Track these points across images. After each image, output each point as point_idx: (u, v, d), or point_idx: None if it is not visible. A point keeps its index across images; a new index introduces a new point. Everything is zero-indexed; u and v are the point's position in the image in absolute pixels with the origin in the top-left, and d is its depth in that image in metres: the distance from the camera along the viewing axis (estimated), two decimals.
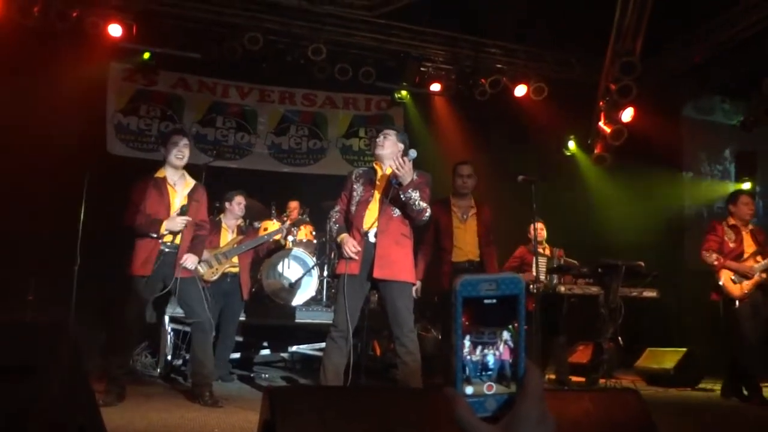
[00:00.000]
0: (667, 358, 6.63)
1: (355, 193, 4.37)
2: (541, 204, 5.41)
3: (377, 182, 4.37)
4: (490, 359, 0.67)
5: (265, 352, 7.00)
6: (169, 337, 6.12)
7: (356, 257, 4.12)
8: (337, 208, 4.46)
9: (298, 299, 6.44)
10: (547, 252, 6.47)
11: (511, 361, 0.68)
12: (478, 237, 5.50)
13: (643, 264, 5.84)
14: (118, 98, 7.99)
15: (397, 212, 4.21)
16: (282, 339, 6.95)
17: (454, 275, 5.56)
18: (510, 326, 0.68)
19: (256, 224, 6.54)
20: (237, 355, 6.61)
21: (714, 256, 5.73)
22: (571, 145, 9.02)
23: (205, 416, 4.13)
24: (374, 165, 4.49)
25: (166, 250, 4.55)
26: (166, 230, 4.49)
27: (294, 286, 6.44)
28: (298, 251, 6.46)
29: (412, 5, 7.64)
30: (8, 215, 6.36)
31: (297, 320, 6.42)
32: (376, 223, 4.17)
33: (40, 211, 6.69)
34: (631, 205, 8.62)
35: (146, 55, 7.88)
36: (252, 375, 6.43)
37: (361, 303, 4.24)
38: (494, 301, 0.67)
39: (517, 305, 0.68)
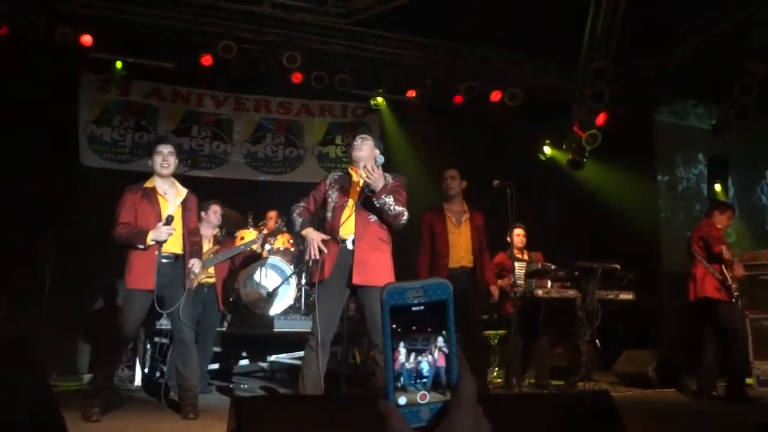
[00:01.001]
0: (645, 360, 6.69)
1: (330, 199, 4.30)
2: (518, 209, 5.43)
3: (352, 187, 4.30)
4: (425, 366, 0.66)
5: (244, 362, 6.93)
6: (147, 349, 6.04)
7: (318, 257, 4.06)
8: (302, 203, 4.36)
9: (277, 308, 6.38)
10: (526, 257, 6.50)
11: (445, 367, 0.66)
12: (471, 242, 5.52)
13: (618, 267, 5.89)
14: (91, 109, 7.88)
15: (373, 217, 4.15)
16: (261, 348, 6.90)
17: (449, 281, 5.58)
18: (443, 332, 0.66)
19: (232, 234, 6.49)
20: (215, 366, 6.54)
21: (731, 251, 5.80)
22: (547, 150, 9.09)
23: (183, 429, 4.07)
24: (349, 170, 4.42)
25: (164, 261, 4.47)
26: (152, 240, 4.38)
27: (272, 295, 6.38)
28: (275, 260, 6.42)
29: (387, 12, 7.66)
30: None
31: (275, 329, 6.36)
32: (353, 229, 4.11)
33: (11, 222, 6.59)
34: (607, 208, 8.71)
35: (119, 65, 7.79)
36: (231, 386, 6.36)
37: (339, 310, 4.18)
38: (422, 307, 0.66)
39: (446, 311, 0.66)
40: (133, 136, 8.03)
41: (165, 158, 4.59)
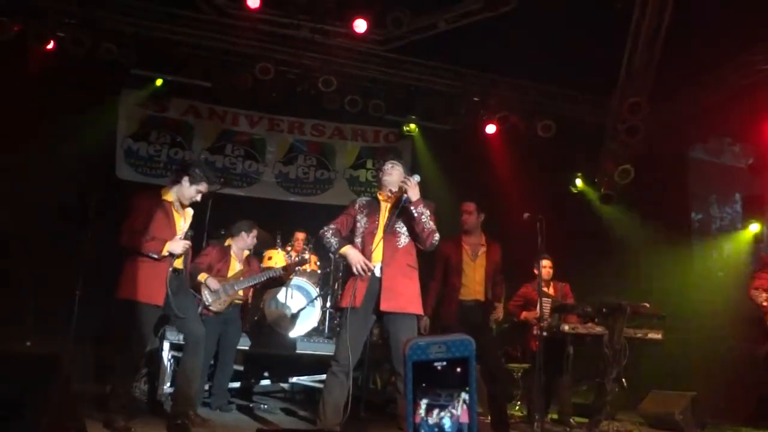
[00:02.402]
0: (672, 401, 6.52)
1: (359, 224, 4.28)
2: (547, 241, 5.37)
3: (380, 214, 4.27)
4: (447, 422, 0.66)
5: (265, 382, 6.92)
6: (168, 364, 6.07)
7: (365, 273, 4.02)
8: (333, 225, 4.29)
9: (300, 329, 6.39)
10: (552, 290, 6.42)
11: (467, 422, 0.66)
12: (485, 275, 5.44)
13: (648, 305, 5.78)
14: (129, 124, 8.06)
15: (402, 241, 4.13)
16: (282, 369, 6.88)
17: (461, 313, 5.53)
18: (467, 388, 0.66)
19: (260, 253, 6.53)
20: (236, 384, 6.54)
21: (764, 296, 5.60)
22: (578, 182, 9.02)
23: None
24: (377, 196, 4.39)
25: (172, 274, 4.50)
26: (168, 252, 4.37)
27: (296, 316, 6.40)
28: (301, 281, 6.44)
29: (423, 40, 7.72)
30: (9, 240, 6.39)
31: (298, 351, 6.35)
32: (381, 256, 4.08)
33: (46, 232, 6.73)
34: (638, 244, 8.57)
35: (158, 82, 7.97)
36: (251, 405, 6.35)
37: (365, 337, 4.12)
38: (445, 363, 0.67)
39: (468, 367, 0.67)
40: (168, 152, 8.18)
41: (197, 196, 4.60)
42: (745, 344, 6.06)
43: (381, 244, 4.10)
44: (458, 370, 0.66)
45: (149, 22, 7.41)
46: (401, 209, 4.06)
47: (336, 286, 6.75)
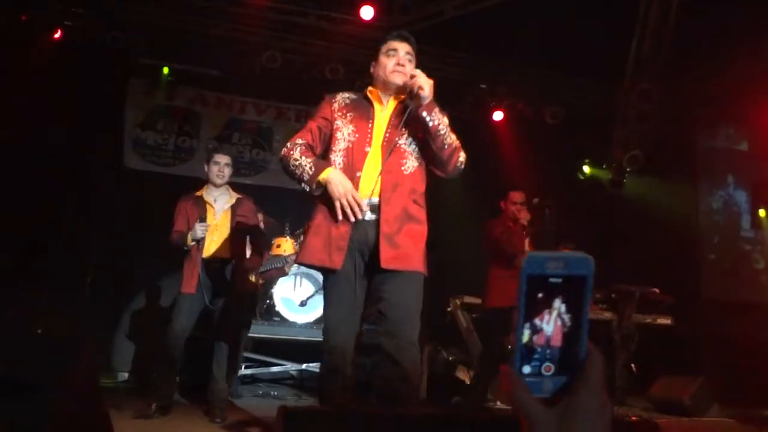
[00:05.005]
0: (681, 386, 6.53)
1: (338, 135, 2.90)
2: (557, 228, 5.38)
3: (374, 122, 2.94)
4: (553, 340, 0.65)
5: (275, 368, 6.97)
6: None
7: (355, 215, 2.73)
8: (299, 140, 2.93)
9: (309, 317, 6.42)
10: None
11: (573, 342, 0.65)
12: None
13: (658, 291, 5.79)
14: (137, 113, 8.06)
15: (409, 166, 2.87)
16: (292, 356, 6.93)
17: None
18: (578, 307, 0.65)
19: (269, 241, 6.55)
20: (246, 372, 6.59)
21: None
22: (586, 169, 8.99)
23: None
24: (367, 93, 3.06)
25: (209, 265, 4.61)
26: (192, 241, 4.54)
27: (305, 304, 6.43)
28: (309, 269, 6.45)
29: (430, 27, 7.68)
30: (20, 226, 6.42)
31: (308, 337, 6.40)
32: (376, 188, 2.78)
33: (57, 220, 6.77)
34: (647, 231, 8.56)
35: (165, 71, 7.96)
36: (261, 392, 6.41)
37: (360, 309, 2.86)
38: (560, 280, 0.65)
39: (584, 286, 0.65)
40: (176, 141, 8.17)
41: (221, 169, 4.74)
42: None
43: (377, 167, 2.82)
44: (572, 288, 0.65)
45: (157, 10, 7.39)
46: (408, 118, 2.84)
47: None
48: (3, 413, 1.23)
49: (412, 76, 2.84)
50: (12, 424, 1.28)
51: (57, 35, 7.16)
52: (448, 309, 6.67)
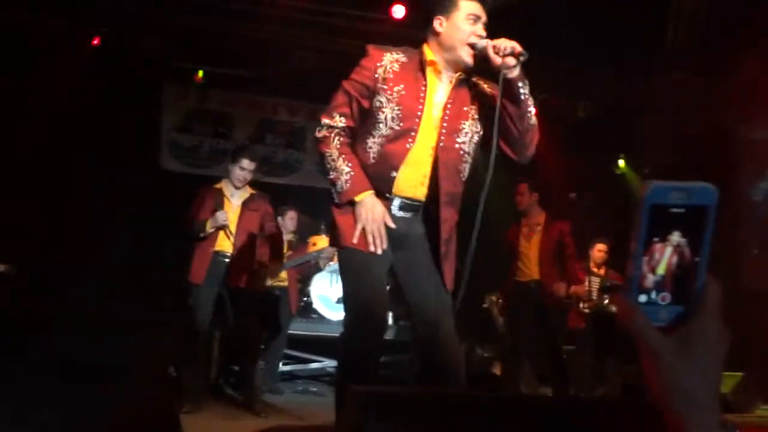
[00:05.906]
0: (723, 382, 6.43)
1: (380, 115, 2.42)
2: (596, 223, 5.34)
3: (428, 91, 2.48)
4: (672, 268, 0.65)
5: (314, 365, 7.03)
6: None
7: (378, 251, 2.39)
8: (340, 118, 2.52)
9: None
10: (602, 272, 6.38)
11: (691, 273, 0.65)
12: (540, 254, 5.41)
13: None
14: (172, 116, 8.19)
15: (467, 148, 2.50)
16: (331, 353, 6.98)
17: (514, 295, 5.54)
18: (698, 238, 0.65)
19: (305, 239, 6.62)
20: (286, 368, 6.66)
21: None
22: (621, 163, 8.88)
23: (260, 426, 4.18)
24: (424, 59, 2.53)
25: (219, 258, 4.65)
26: (212, 227, 4.61)
27: (341, 301, 6.46)
28: None
29: None
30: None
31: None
32: (425, 181, 2.44)
33: (94, 221, 6.90)
34: None
35: (200, 74, 8.06)
36: (300, 388, 6.47)
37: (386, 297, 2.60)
38: (682, 210, 0.65)
39: (705, 217, 0.65)
40: (211, 143, 8.28)
41: (245, 175, 4.80)
42: None
43: (428, 153, 2.43)
44: (694, 218, 0.64)
45: (189, 14, 7.48)
46: (501, 91, 2.37)
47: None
48: (80, 395, 1.28)
49: (495, 46, 2.39)
50: (87, 406, 1.33)
51: (95, 42, 7.30)
52: (484, 305, 6.66)
